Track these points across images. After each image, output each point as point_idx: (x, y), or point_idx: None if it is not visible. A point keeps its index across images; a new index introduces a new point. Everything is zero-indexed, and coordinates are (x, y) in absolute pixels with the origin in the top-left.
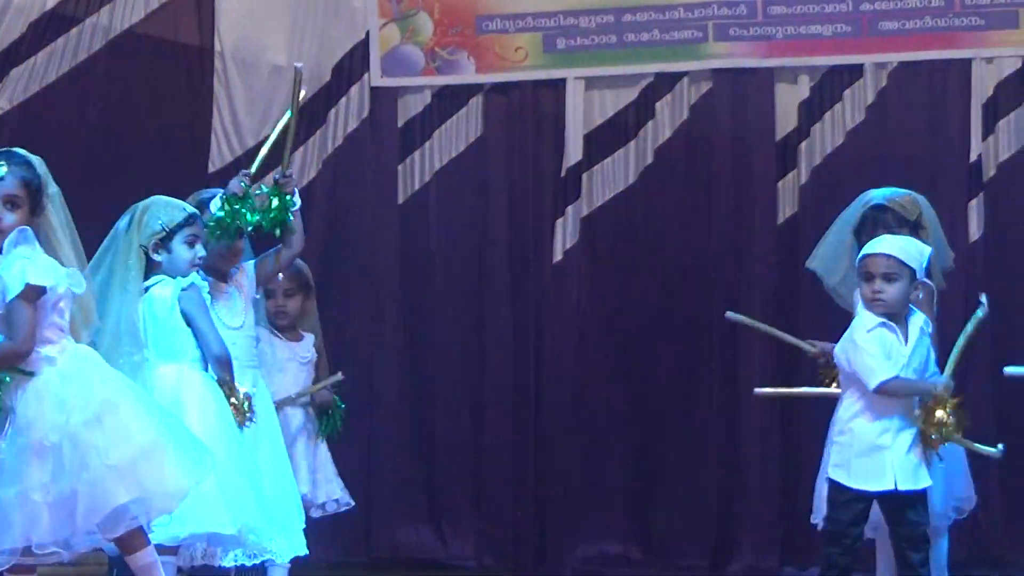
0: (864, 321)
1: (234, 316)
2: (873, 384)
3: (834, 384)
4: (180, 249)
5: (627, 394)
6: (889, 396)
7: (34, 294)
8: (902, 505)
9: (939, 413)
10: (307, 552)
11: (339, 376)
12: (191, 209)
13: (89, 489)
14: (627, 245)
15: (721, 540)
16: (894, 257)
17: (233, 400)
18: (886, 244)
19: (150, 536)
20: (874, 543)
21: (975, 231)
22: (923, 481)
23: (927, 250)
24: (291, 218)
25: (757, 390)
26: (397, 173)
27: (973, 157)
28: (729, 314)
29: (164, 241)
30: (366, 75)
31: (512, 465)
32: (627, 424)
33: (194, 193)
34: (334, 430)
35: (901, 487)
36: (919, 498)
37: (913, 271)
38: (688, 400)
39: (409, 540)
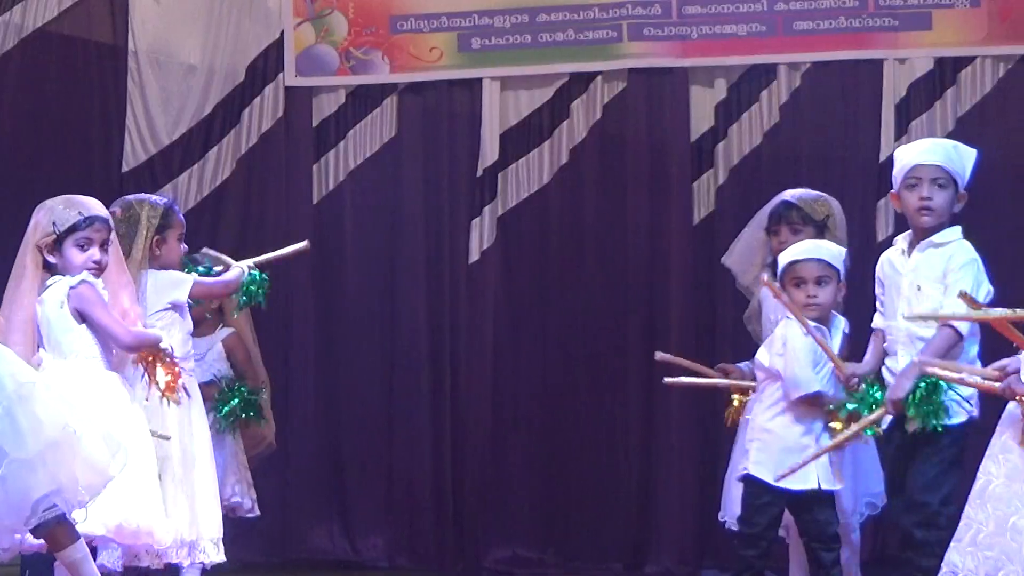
0: (799, 328)
1: None
2: (796, 396)
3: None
4: (71, 252)
5: (543, 395)
6: (807, 406)
7: None
8: (814, 505)
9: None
10: (224, 559)
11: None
12: (90, 212)
13: (6, 484)
14: (543, 245)
15: (637, 543)
16: (825, 261)
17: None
18: (815, 249)
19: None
20: (786, 542)
21: (884, 230)
22: (839, 482)
23: (843, 250)
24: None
25: (666, 379)
26: (312, 173)
27: (884, 157)
28: (658, 355)
29: (56, 242)
30: (280, 75)
31: (425, 467)
32: (543, 426)
33: (119, 199)
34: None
35: (824, 486)
36: (829, 498)
37: (839, 272)
38: (604, 401)
39: (321, 541)
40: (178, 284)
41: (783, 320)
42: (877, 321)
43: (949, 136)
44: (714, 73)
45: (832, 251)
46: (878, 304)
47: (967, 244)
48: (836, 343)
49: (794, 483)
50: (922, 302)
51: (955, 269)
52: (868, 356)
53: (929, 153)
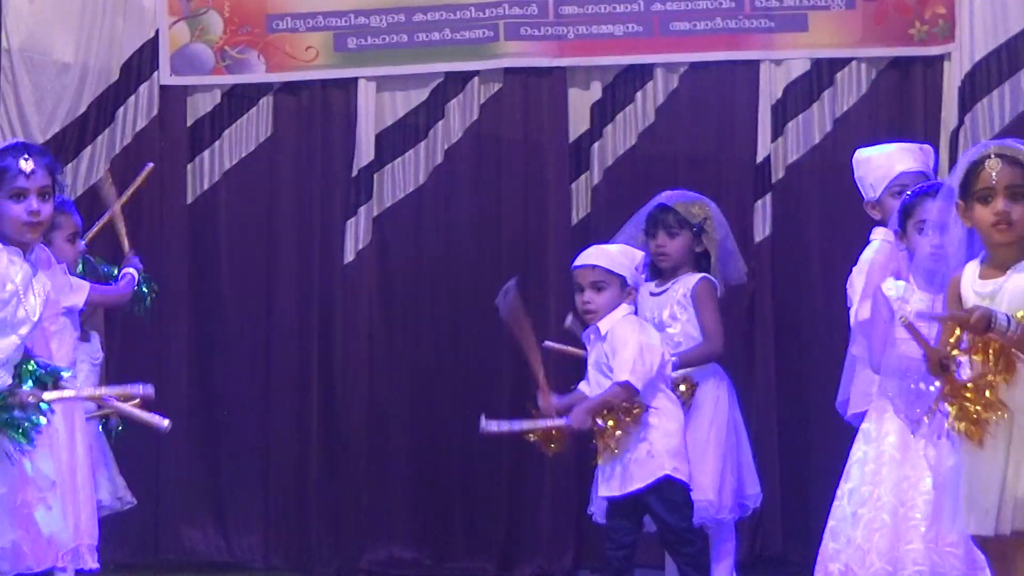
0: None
1: None
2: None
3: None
4: None
5: (418, 395)
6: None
7: None
8: (651, 506)
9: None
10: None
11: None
12: None
13: None
14: (418, 245)
15: (511, 543)
16: (600, 267)
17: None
18: (593, 255)
19: None
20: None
21: (761, 232)
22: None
23: (639, 255)
24: None
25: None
26: (186, 172)
27: (761, 158)
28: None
29: None
30: (155, 74)
31: (301, 467)
32: (418, 426)
33: None
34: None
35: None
36: (671, 496)
37: (623, 278)
38: (478, 401)
39: (196, 541)
40: (76, 290)
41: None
42: None
43: (825, 137)
44: (591, 73)
45: (613, 256)
46: None
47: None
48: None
49: (612, 490)
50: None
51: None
52: None
53: (911, 159)
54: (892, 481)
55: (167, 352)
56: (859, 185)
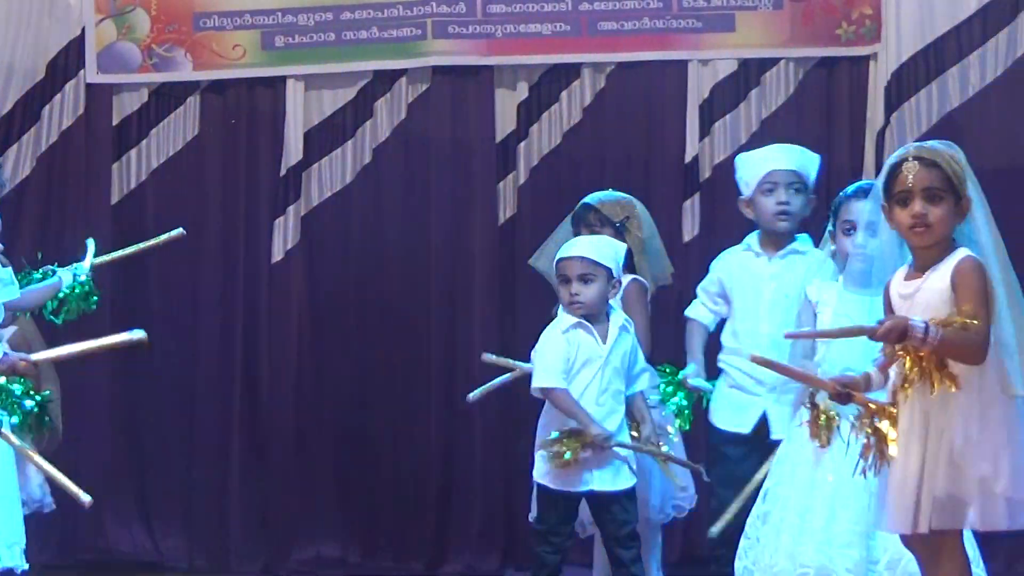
0: (562, 322)
1: None
2: (537, 384)
3: None
4: None
5: (347, 394)
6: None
7: None
8: (606, 504)
9: None
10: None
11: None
12: None
13: None
14: (347, 244)
15: (437, 541)
16: (588, 259)
17: None
18: (580, 247)
19: None
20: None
21: (690, 231)
22: (623, 482)
23: (622, 248)
24: None
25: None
26: (112, 172)
27: (688, 158)
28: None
29: None
30: (81, 72)
31: (228, 467)
32: (345, 424)
33: None
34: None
35: (597, 488)
36: (624, 497)
37: (609, 270)
38: (407, 399)
39: (120, 541)
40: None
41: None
42: (699, 313)
43: (752, 137)
44: (517, 73)
45: (596, 247)
46: (706, 298)
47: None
48: (611, 337)
49: (572, 486)
50: (790, 309)
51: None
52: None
53: (784, 158)
54: (804, 482)
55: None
56: (738, 185)
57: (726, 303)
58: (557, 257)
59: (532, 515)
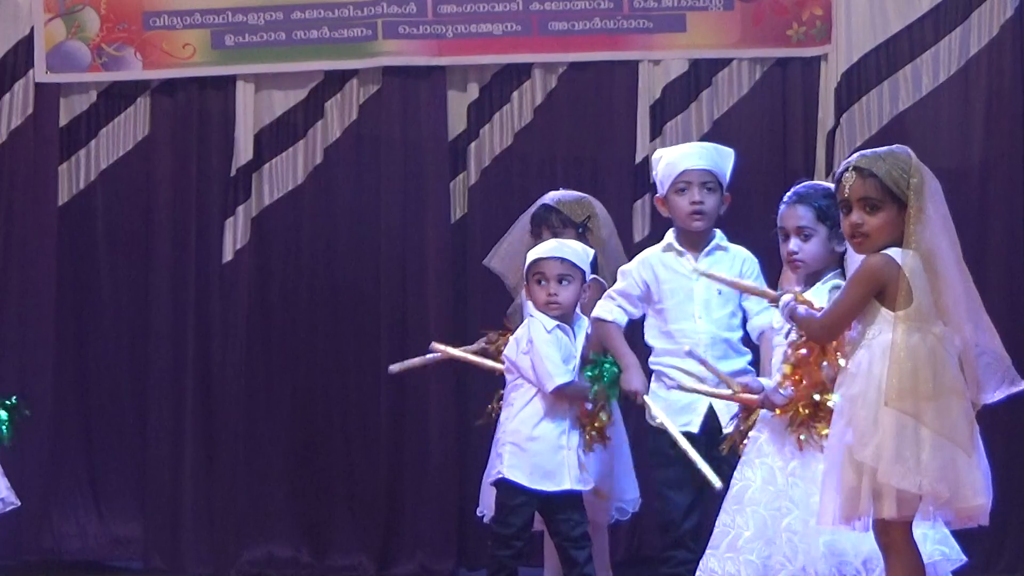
0: (542, 324)
1: None
2: (551, 387)
3: None
4: None
5: (297, 394)
6: (564, 399)
7: None
8: (565, 505)
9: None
10: None
11: None
12: None
13: None
14: (297, 244)
15: (388, 541)
16: (567, 260)
17: None
18: (558, 248)
19: None
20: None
21: (641, 231)
22: (588, 482)
23: (591, 251)
24: None
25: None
26: (59, 173)
27: (639, 159)
28: (433, 345)
29: None
30: (30, 71)
31: (179, 466)
32: (296, 424)
33: None
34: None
35: (574, 487)
36: (579, 499)
37: (584, 273)
38: (358, 399)
39: (74, 541)
40: None
41: (527, 319)
42: (616, 315)
43: (704, 138)
44: (468, 73)
45: (577, 251)
46: (624, 300)
47: (746, 250)
48: (579, 343)
49: (548, 484)
50: (725, 306)
51: (754, 276)
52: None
53: (697, 157)
54: (762, 478)
55: (36, 355)
56: (654, 182)
57: (645, 305)
58: (533, 257)
59: (482, 513)
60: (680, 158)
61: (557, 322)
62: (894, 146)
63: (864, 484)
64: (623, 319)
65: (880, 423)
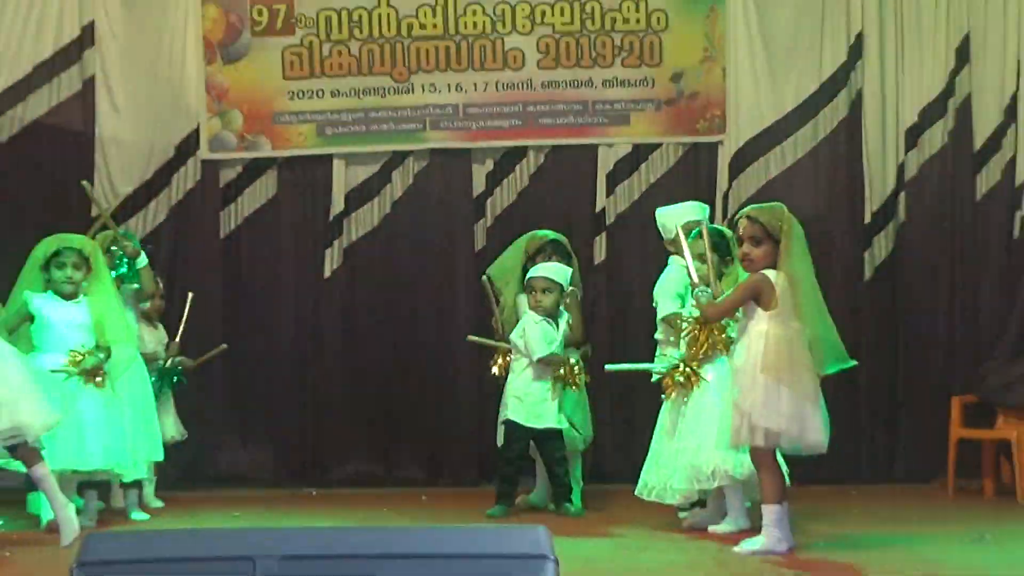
0: (532, 318)
1: None
2: (536, 356)
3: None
4: (56, 275)
5: (373, 361)
6: (545, 364)
7: None
8: (551, 437)
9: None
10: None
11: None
12: (64, 245)
13: None
14: (373, 266)
15: (435, 460)
16: (548, 278)
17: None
18: (544, 270)
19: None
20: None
21: (599, 257)
22: (564, 422)
23: (569, 270)
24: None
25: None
26: (219, 217)
27: (598, 209)
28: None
29: (48, 265)
30: (198, 151)
31: (294, 413)
32: (374, 382)
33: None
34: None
35: (555, 425)
36: (559, 433)
37: (561, 286)
38: (413, 365)
39: (224, 463)
40: None
41: (525, 314)
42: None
43: (642, 196)
44: (486, 153)
45: (557, 271)
46: None
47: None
48: (561, 329)
49: (539, 423)
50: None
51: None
52: None
53: (692, 214)
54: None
55: (203, 337)
56: (660, 230)
57: None
58: (529, 275)
59: (500, 441)
60: (681, 214)
61: (544, 317)
62: (775, 202)
63: (744, 423)
64: None
65: (755, 384)
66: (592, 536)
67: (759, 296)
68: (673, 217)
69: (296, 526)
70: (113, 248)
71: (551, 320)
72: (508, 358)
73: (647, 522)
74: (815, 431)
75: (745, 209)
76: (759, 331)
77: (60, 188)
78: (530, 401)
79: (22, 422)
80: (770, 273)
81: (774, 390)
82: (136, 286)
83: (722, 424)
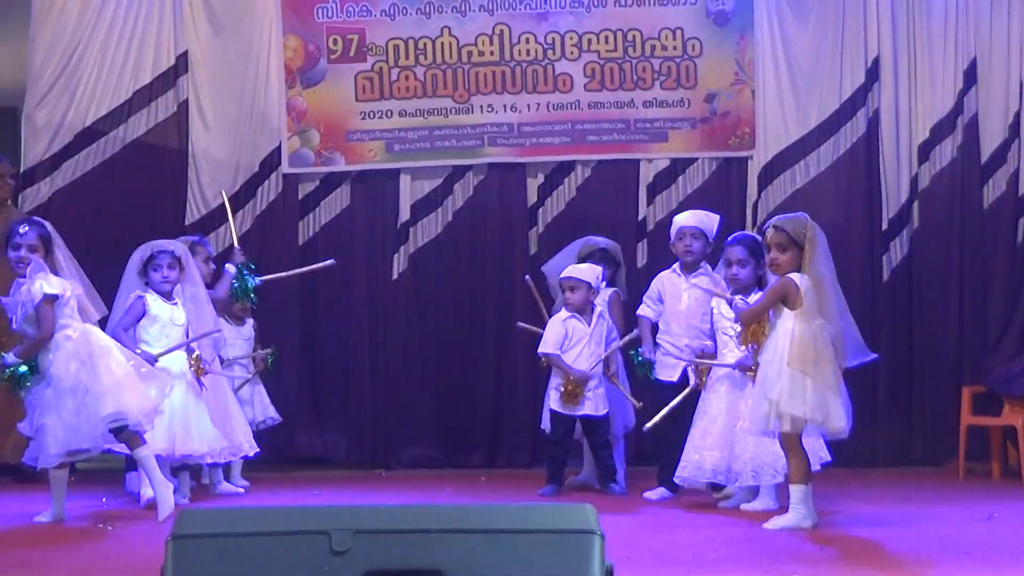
0: (561, 315)
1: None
2: (541, 351)
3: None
4: (153, 276)
5: (436, 348)
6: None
7: (50, 300)
8: (595, 424)
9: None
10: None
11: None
12: (159, 249)
13: (88, 407)
14: (436, 268)
15: (493, 445)
16: (576, 278)
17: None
18: (571, 270)
19: (147, 443)
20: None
21: (641, 261)
22: (602, 410)
23: (598, 269)
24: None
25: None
26: (298, 227)
27: (640, 217)
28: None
29: (144, 269)
30: (280, 166)
31: (369, 394)
32: (438, 371)
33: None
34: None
35: (593, 412)
36: (603, 419)
37: (588, 284)
38: (474, 356)
39: (303, 445)
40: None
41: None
42: (646, 312)
43: (679, 207)
44: (539, 167)
45: (582, 271)
46: (650, 302)
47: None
48: (593, 323)
49: (577, 411)
50: (702, 307)
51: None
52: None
53: (691, 219)
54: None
55: (283, 331)
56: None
57: (661, 304)
58: (560, 276)
59: (543, 425)
60: (681, 219)
61: (571, 312)
62: (798, 212)
63: (772, 412)
64: (651, 314)
65: (782, 375)
66: (634, 513)
67: (786, 297)
68: (675, 222)
69: (367, 504)
70: (243, 270)
71: (581, 317)
72: None
73: (684, 501)
74: (838, 418)
75: (772, 220)
76: (785, 328)
77: (157, 200)
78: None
79: (125, 407)
80: (796, 276)
81: (799, 381)
82: (250, 304)
83: (753, 414)
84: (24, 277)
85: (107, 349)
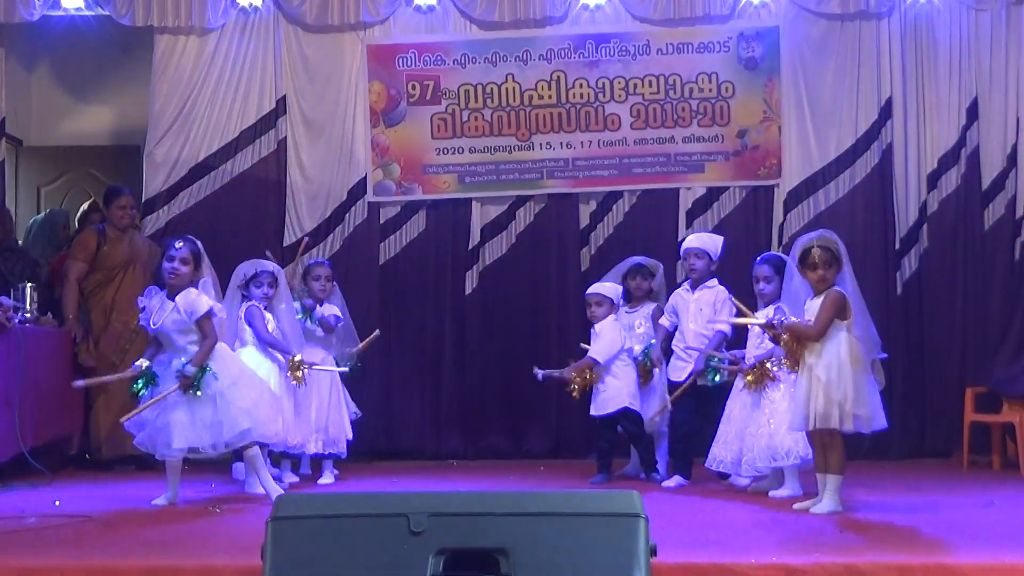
0: (608, 321)
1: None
2: (600, 358)
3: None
4: (255, 291)
5: (504, 356)
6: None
7: (210, 314)
8: (622, 418)
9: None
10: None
11: (376, 333)
12: (260, 268)
13: (230, 420)
14: (503, 285)
15: (557, 437)
16: (600, 294)
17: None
18: (596, 287)
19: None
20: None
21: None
22: (609, 408)
23: (619, 288)
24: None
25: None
26: (379, 249)
27: (680, 239)
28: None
29: (247, 284)
30: (365, 195)
31: (444, 394)
32: (506, 374)
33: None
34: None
35: (614, 410)
36: (637, 415)
37: (611, 300)
38: (535, 359)
39: (385, 436)
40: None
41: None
42: (664, 322)
43: (714, 230)
44: (591, 196)
45: (605, 287)
46: (668, 314)
47: (722, 287)
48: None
49: (601, 410)
50: (702, 318)
51: (721, 301)
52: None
53: (696, 240)
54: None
55: (369, 333)
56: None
57: (675, 316)
58: (586, 292)
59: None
60: (687, 241)
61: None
62: (827, 231)
63: (835, 411)
64: (669, 324)
65: (844, 377)
66: (672, 499)
67: (842, 310)
68: (683, 242)
69: (441, 490)
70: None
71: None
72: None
73: (717, 488)
74: (881, 416)
75: (813, 238)
76: (840, 336)
77: (260, 225)
78: (599, 392)
79: (259, 429)
80: (841, 289)
81: (862, 383)
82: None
83: (794, 413)
84: (160, 288)
85: (251, 371)
